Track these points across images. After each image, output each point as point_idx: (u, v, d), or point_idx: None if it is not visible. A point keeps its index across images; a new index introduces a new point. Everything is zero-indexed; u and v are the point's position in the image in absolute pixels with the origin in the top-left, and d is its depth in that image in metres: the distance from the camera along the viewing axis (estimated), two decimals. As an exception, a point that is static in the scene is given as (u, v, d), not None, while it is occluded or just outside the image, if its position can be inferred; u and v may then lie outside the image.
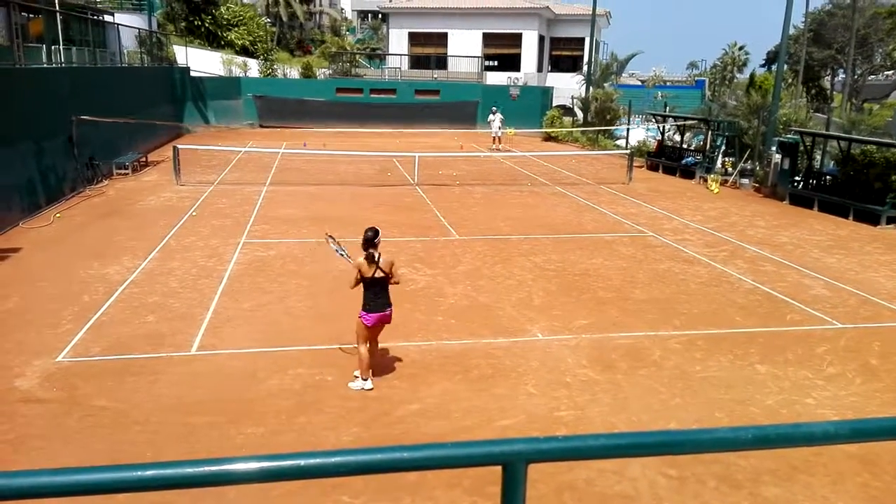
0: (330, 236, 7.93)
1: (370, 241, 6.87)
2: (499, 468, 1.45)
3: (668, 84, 56.08)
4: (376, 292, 6.93)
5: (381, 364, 7.68)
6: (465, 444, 1.45)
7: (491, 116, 28.02)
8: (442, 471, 5.34)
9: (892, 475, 5.74)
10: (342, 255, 7.61)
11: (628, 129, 29.85)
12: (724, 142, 22.14)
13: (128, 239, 12.60)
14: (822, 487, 5.56)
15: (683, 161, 22.76)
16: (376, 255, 6.84)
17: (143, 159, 21.33)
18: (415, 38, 41.86)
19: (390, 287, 7.07)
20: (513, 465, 1.44)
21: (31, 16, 19.48)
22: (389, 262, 6.95)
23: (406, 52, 41.21)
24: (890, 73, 50.80)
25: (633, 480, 5.56)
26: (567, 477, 5.57)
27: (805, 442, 1.60)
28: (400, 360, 7.83)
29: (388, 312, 7.02)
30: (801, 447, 1.59)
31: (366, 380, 7.06)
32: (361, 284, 6.93)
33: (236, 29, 41.41)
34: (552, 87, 38.15)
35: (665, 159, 23.76)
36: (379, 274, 6.86)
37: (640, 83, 55.00)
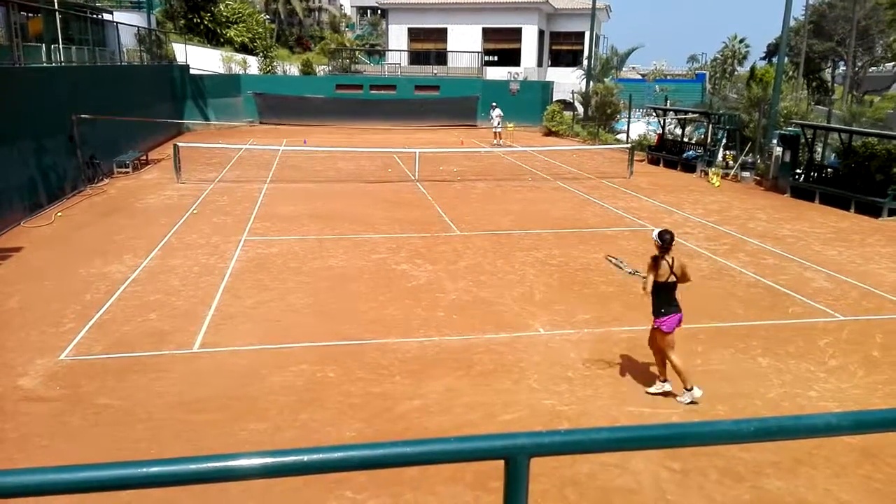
0: (610, 257, 7.67)
1: (669, 243, 6.72)
2: (501, 462, 1.45)
3: (668, 78, 56.05)
4: (670, 295, 6.77)
5: (382, 361, 7.70)
6: (467, 438, 1.45)
7: (491, 112, 28.04)
8: (444, 466, 5.36)
9: (894, 467, 5.75)
10: (630, 272, 7.25)
11: (629, 123, 29.81)
12: (725, 135, 22.11)
13: (129, 237, 12.61)
14: (824, 480, 5.56)
15: (684, 155, 22.72)
16: (671, 260, 6.71)
17: (144, 158, 21.34)
18: (414, 34, 41.77)
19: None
20: (515, 459, 1.45)
21: (30, 15, 19.47)
22: (682, 265, 6.78)
23: (406, 48, 41.13)
24: (891, 64, 50.64)
25: (635, 474, 5.58)
26: (569, 471, 5.58)
27: (807, 434, 1.60)
28: (401, 356, 7.84)
29: (681, 314, 6.79)
30: (804, 439, 1.60)
31: (691, 389, 6.78)
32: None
33: (235, 26, 41.35)
34: (552, 82, 38.10)
35: (666, 153, 23.73)
36: (672, 279, 6.72)
37: (640, 77, 54.96)
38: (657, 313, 6.78)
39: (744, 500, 5.32)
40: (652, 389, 7.00)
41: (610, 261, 7.62)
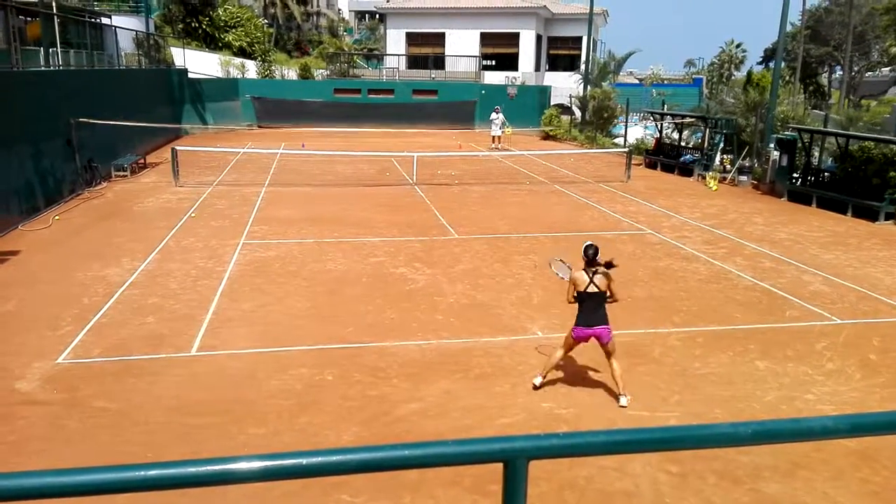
0: (559, 261, 7.78)
1: (592, 258, 6.85)
2: (500, 466, 1.45)
3: (665, 82, 56.14)
4: (590, 307, 6.82)
5: (380, 364, 7.69)
6: (466, 441, 1.45)
7: (493, 116, 28.04)
8: (443, 469, 5.35)
9: (892, 470, 5.75)
10: (562, 277, 7.46)
11: (626, 128, 29.86)
12: (723, 139, 22.16)
13: (127, 241, 12.59)
14: (822, 483, 5.56)
15: (682, 159, 22.76)
16: (593, 271, 6.81)
17: (142, 161, 21.32)
18: (412, 39, 41.83)
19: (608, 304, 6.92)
20: (514, 462, 1.45)
21: (28, 19, 19.47)
22: (607, 280, 6.83)
23: (404, 53, 41.18)
24: (887, 69, 50.84)
25: (633, 477, 5.57)
26: (568, 474, 5.58)
27: (805, 437, 1.60)
28: (400, 359, 7.83)
29: (599, 329, 6.78)
30: (801, 442, 1.60)
31: (543, 376, 7.13)
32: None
33: (234, 30, 41.36)
34: (550, 86, 38.17)
35: (663, 157, 23.77)
36: (592, 289, 6.78)
37: (637, 81, 55.01)
38: (575, 319, 6.91)
39: (742, 503, 5.32)
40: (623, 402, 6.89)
41: (553, 262, 7.75)
